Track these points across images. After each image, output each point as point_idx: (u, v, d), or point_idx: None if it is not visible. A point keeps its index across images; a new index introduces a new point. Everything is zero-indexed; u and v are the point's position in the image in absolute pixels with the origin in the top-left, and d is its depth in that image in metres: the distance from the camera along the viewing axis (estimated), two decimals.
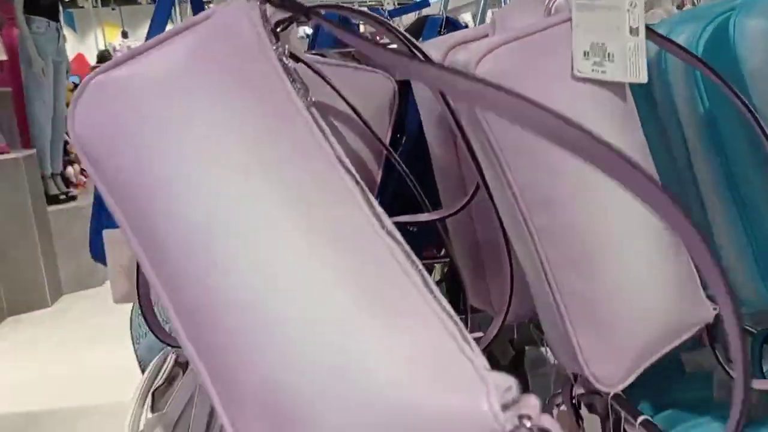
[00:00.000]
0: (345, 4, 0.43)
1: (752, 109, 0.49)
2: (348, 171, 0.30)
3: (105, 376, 2.12)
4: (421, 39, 0.86)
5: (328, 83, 0.58)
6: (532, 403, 0.24)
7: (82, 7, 8.04)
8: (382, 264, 0.28)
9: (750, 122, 0.49)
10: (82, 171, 3.92)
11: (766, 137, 0.49)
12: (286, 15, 0.37)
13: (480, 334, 0.58)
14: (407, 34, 0.48)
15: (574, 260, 0.45)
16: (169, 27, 0.44)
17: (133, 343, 0.93)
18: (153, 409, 0.71)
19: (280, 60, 0.31)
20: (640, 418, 0.51)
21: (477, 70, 0.43)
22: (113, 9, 8.70)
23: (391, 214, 0.31)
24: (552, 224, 0.45)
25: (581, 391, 0.59)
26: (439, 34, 0.86)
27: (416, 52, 0.45)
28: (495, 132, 0.43)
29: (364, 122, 0.61)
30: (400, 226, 0.31)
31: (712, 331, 0.53)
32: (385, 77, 0.66)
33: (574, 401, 0.55)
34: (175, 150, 0.30)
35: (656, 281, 0.48)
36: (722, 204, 0.56)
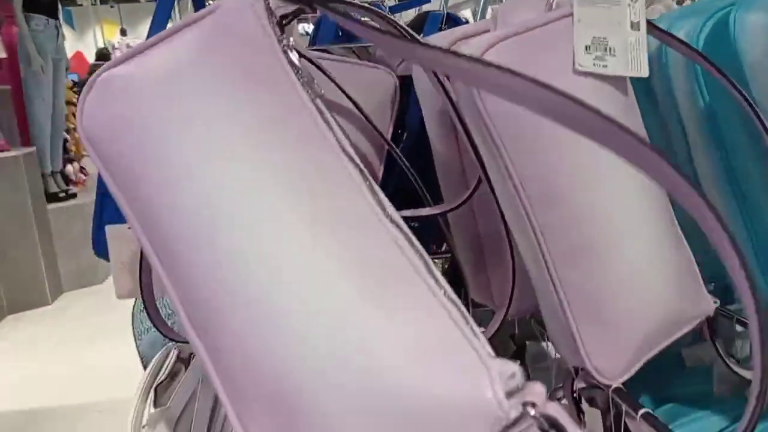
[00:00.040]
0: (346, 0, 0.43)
1: (752, 103, 0.49)
2: (352, 160, 0.30)
3: (105, 374, 2.12)
4: (422, 35, 0.87)
5: (330, 78, 0.58)
6: (537, 390, 0.23)
7: (81, 5, 8.03)
8: (386, 253, 0.28)
9: (750, 116, 0.49)
10: (82, 169, 3.92)
11: (766, 131, 0.49)
12: (290, 9, 0.37)
13: (481, 329, 0.58)
14: (409, 29, 0.49)
15: (576, 253, 0.45)
16: (169, 26, 0.44)
17: (135, 340, 0.94)
18: (156, 404, 0.71)
19: (285, 52, 0.32)
20: (641, 411, 0.51)
21: None
22: (112, 7, 8.69)
23: None
24: (554, 217, 0.45)
25: (582, 385, 0.59)
26: (440, 29, 0.86)
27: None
28: (497, 125, 0.43)
29: (366, 117, 0.61)
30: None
31: (713, 325, 0.53)
32: (386, 73, 0.66)
33: (575, 395, 0.55)
34: (180, 143, 0.31)
35: (657, 274, 0.48)
36: (722, 198, 0.56)
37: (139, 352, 0.92)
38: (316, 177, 0.30)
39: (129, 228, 0.71)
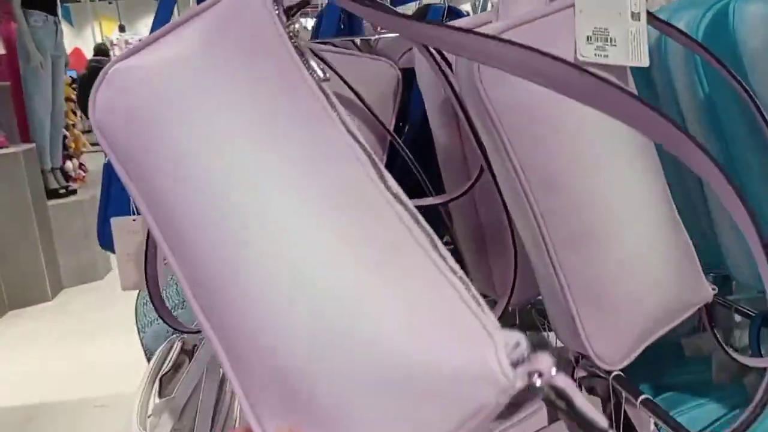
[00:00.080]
0: None
1: (751, 94, 0.49)
2: (357, 140, 0.31)
3: (105, 370, 2.13)
4: None
5: (333, 70, 0.58)
6: (544, 360, 0.23)
7: (79, 1, 8.01)
8: (389, 227, 0.29)
9: (749, 107, 0.50)
10: (81, 165, 3.92)
11: (765, 121, 0.50)
12: (295, 0, 0.37)
13: None
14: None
15: (577, 239, 0.46)
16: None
17: (139, 332, 0.94)
18: (160, 394, 0.72)
19: (291, 38, 0.32)
20: (641, 398, 0.52)
21: None
22: (110, 3, 8.66)
23: None
24: (554, 203, 0.46)
25: (583, 374, 0.60)
26: None
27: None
28: (498, 113, 0.44)
29: (369, 108, 0.61)
30: None
31: (711, 310, 0.54)
32: (388, 65, 0.66)
33: (575, 384, 0.55)
34: (190, 130, 0.31)
35: (657, 259, 0.49)
36: None
37: (143, 345, 0.93)
38: (322, 155, 0.30)
39: (134, 220, 0.72)
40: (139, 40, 0.37)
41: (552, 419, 0.58)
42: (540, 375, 0.23)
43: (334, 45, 0.72)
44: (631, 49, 0.47)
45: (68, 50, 4.40)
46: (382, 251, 0.28)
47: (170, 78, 0.32)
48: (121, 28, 8.30)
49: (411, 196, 0.57)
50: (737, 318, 0.71)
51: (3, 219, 2.79)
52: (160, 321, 0.78)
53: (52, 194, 3.19)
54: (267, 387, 0.29)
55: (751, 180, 0.55)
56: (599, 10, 0.47)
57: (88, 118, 0.35)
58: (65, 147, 3.63)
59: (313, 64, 0.32)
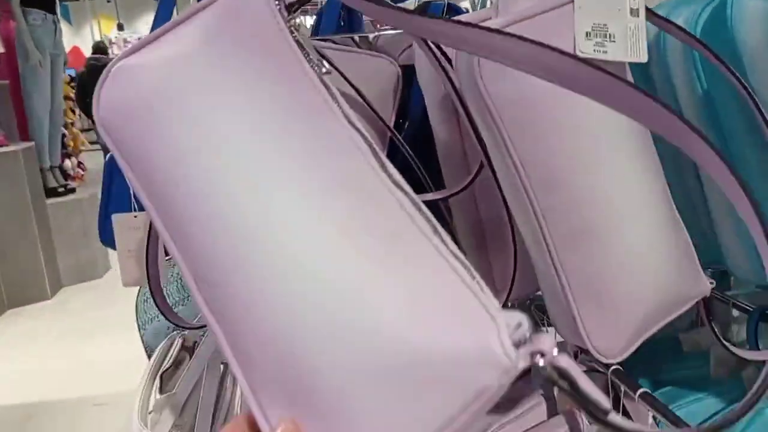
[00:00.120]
0: None
1: (750, 90, 0.50)
2: (358, 130, 0.31)
3: (104, 368, 2.13)
4: None
5: (333, 66, 0.59)
6: (546, 340, 0.23)
7: (78, 0, 8.00)
8: (390, 214, 0.29)
9: (747, 103, 0.50)
10: (80, 164, 3.92)
11: (763, 117, 0.50)
12: None
13: None
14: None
15: (577, 236, 0.46)
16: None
17: (139, 329, 0.94)
18: (161, 390, 0.72)
19: (292, 32, 0.32)
20: (640, 391, 0.52)
21: None
22: (109, 1, 8.65)
23: None
24: (555, 200, 0.46)
25: (582, 368, 0.60)
26: None
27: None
28: (498, 109, 0.44)
29: (369, 105, 0.62)
30: None
31: (709, 305, 0.54)
32: (388, 62, 0.67)
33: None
34: (193, 126, 0.32)
35: (656, 256, 0.49)
36: None
37: (143, 342, 0.93)
38: (323, 148, 0.30)
39: (135, 217, 0.72)
40: (138, 39, 0.37)
41: (551, 414, 0.58)
42: (542, 355, 0.23)
43: (334, 42, 0.72)
44: (630, 45, 0.47)
45: (67, 49, 4.39)
46: (384, 240, 0.28)
47: (171, 76, 0.32)
48: (120, 27, 8.30)
49: None
50: (735, 313, 0.71)
51: (2, 217, 2.79)
52: (161, 318, 0.78)
53: (51, 193, 3.19)
54: (270, 377, 0.29)
55: (749, 176, 0.55)
56: (598, 7, 0.47)
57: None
58: (64, 145, 3.63)
59: (314, 57, 0.32)
